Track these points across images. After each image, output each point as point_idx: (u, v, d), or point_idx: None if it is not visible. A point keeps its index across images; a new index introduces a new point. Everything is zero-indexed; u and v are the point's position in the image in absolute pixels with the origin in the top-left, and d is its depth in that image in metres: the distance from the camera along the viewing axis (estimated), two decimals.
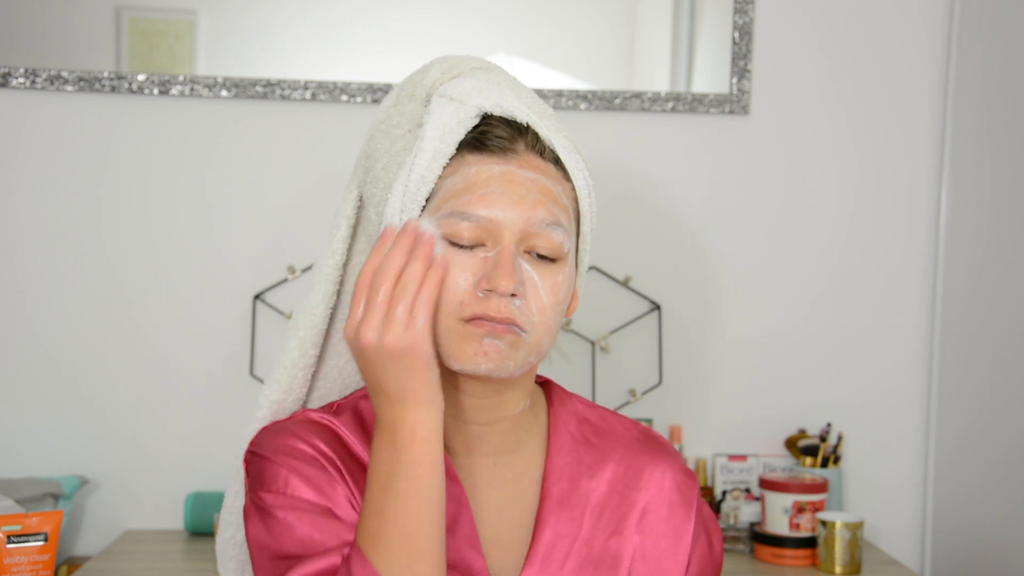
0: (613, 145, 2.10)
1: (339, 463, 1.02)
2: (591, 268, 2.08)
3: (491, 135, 1.01)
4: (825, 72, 2.15)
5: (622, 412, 2.06)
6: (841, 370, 2.15)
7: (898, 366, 2.17)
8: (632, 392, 2.10)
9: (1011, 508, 1.90)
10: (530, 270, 0.99)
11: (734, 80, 2.10)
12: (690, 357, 2.13)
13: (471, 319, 0.97)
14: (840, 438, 2.09)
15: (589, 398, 2.03)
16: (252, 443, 1.06)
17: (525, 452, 1.09)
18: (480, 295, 0.97)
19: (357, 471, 1.03)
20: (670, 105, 2.09)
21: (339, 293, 1.14)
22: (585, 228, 1.06)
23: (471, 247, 0.98)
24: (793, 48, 2.14)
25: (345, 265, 1.14)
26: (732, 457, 2.11)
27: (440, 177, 1.01)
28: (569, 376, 2.05)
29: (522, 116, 1.02)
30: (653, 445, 1.13)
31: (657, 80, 2.13)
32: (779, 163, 2.14)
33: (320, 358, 1.15)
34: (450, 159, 1.01)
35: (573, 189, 1.04)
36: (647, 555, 1.08)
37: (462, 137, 1.01)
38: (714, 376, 2.14)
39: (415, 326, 0.93)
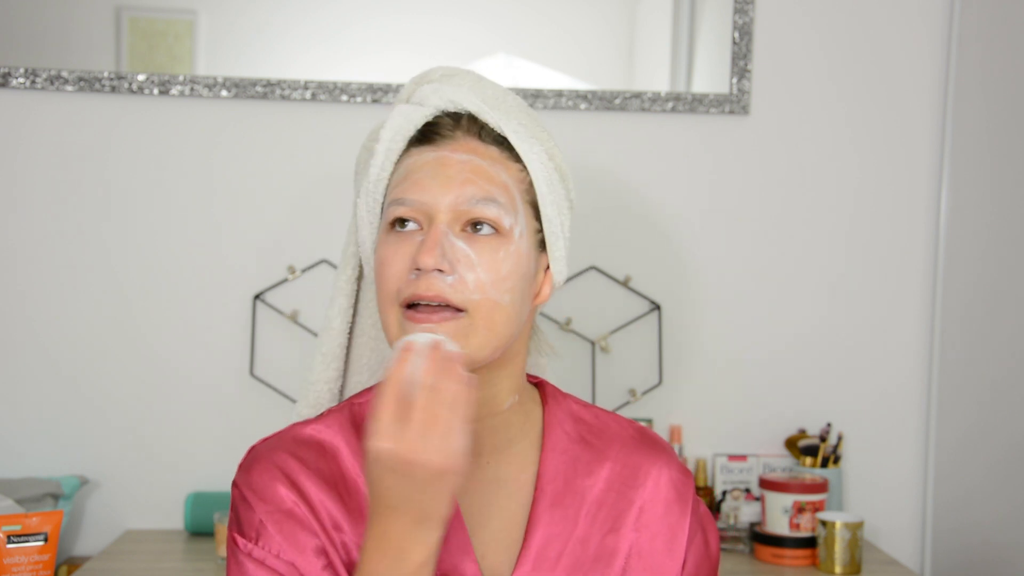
0: (613, 145, 2.10)
1: (322, 500, 1.02)
2: (591, 268, 2.08)
3: (436, 126, 1.04)
4: (825, 72, 2.15)
5: (622, 412, 2.06)
6: (841, 370, 2.15)
7: (898, 366, 2.17)
8: (632, 392, 2.10)
9: (1011, 508, 1.90)
10: (465, 247, 0.99)
11: (734, 80, 2.10)
12: (690, 357, 2.13)
13: (407, 304, 0.98)
14: (840, 438, 2.09)
15: (588, 398, 2.04)
16: (242, 465, 1.05)
17: (518, 451, 1.09)
18: (412, 276, 0.98)
19: (341, 486, 1.03)
20: (670, 105, 2.09)
21: (355, 307, 1.17)
22: (549, 211, 1.05)
23: (410, 232, 1.01)
24: (793, 48, 2.14)
25: (359, 279, 1.16)
26: (732, 457, 2.11)
27: (391, 175, 1.05)
28: (569, 376, 2.05)
29: (471, 107, 1.04)
30: (649, 443, 1.13)
31: (657, 80, 2.13)
32: (779, 163, 2.14)
33: (344, 374, 1.18)
34: (401, 156, 1.05)
35: (524, 171, 1.05)
36: (642, 553, 1.08)
37: (411, 134, 1.04)
38: (714, 376, 2.13)
39: (455, 445, 0.88)
